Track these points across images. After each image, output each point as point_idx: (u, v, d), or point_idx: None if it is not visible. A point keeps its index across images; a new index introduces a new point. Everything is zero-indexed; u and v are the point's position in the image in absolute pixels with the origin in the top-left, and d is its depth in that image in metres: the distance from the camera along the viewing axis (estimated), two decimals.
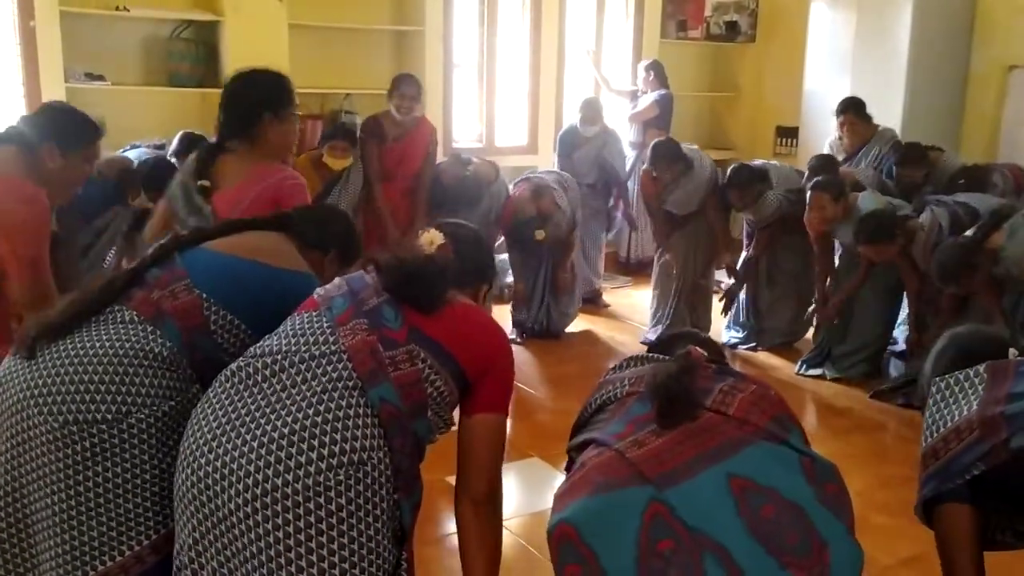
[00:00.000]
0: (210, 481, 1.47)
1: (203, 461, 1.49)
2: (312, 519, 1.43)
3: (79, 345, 1.71)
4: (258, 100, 2.48)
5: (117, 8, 4.93)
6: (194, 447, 1.53)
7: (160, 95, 5.32)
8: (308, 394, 1.51)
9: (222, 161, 2.52)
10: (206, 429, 1.53)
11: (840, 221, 4.37)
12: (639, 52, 7.06)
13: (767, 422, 1.51)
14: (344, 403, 1.50)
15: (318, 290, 1.73)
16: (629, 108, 6.59)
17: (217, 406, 1.55)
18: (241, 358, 1.63)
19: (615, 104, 6.66)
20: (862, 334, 4.63)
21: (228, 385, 1.58)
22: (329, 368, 1.54)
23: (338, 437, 1.47)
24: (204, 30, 5.37)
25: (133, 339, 1.73)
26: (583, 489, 1.46)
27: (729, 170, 4.90)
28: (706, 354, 1.70)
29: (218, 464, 1.47)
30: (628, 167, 6.18)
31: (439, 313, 1.64)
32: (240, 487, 1.44)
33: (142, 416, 1.67)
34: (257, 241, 1.96)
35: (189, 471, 1.51)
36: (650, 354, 1.79)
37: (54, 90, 4.71)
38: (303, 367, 1.54)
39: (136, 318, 1.76)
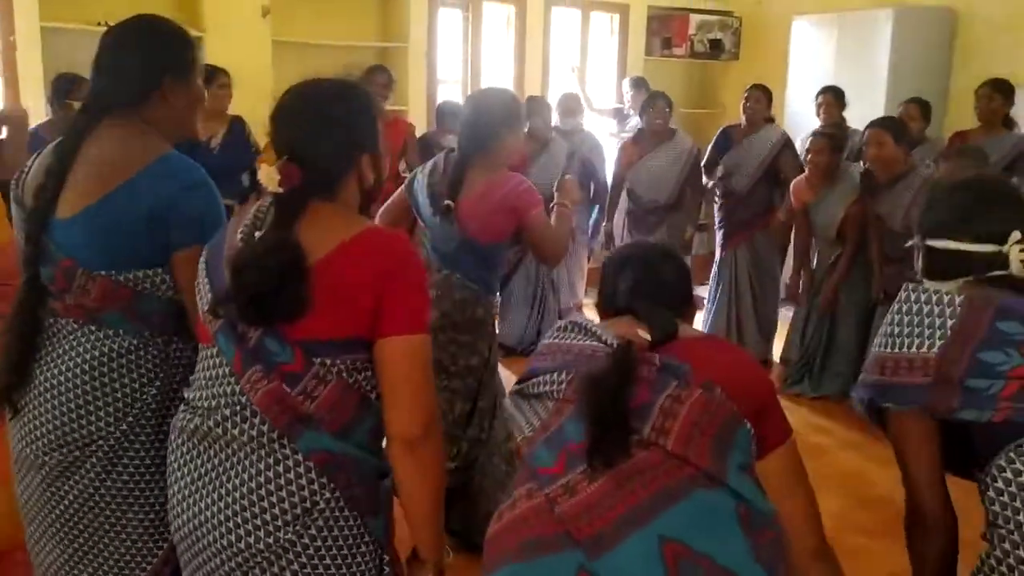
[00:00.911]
0: (192, 540, 1.53)
1: (182, 520, 1.55)
2: (288, 572, 1.47)
3: (47, 379, 1.75)
4: None
5: (99, 24, 4.91)
6: (173, 502, 1.58)
7: None
8: (242, 455, 1.48)
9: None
10: (176, 489, 1.57)
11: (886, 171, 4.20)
12: (624, 69, 7.10)
13: (707, 458, 1.34)
14: (274, 459, 1.47)
15: (202, 313, 1.56)
16: (614, 126, 6.60)
17: (180, 464, 1.57)
18: (183, 406, 1.60)
19: (598, 123, 6.68)
20: (843, 351, 4.63)
21: (181, 443, 1.57)
22: (248, 427, 1.47)
23: (283, 494, 1.46)
24: None
25: (87, 346, 1.74)
26: (512, 543, 1.38)
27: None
28: (649, 337, 1.47)
29: (193, 524, 1.52)
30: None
31: (313, 304, 1.45)
32: (216, 547, 1.49)
33: (132, 420, 1.75)
34: (99, 157, 1.74)
35: (176, 524, 1.58)
36: (592, 328, 1.54)
37: (34, 104, 4.69)
38: (229, 425, 1.49)
39: (75, 325, 1.74)
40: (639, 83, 6.38)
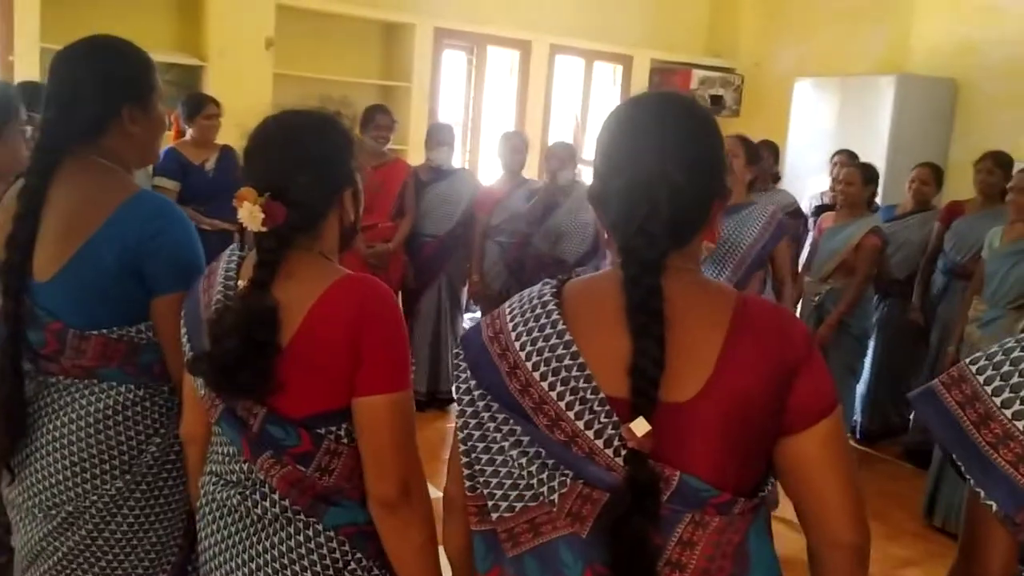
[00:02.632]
0: None
1: None
2: None
3: (48, 436, 1.68)
4: None
5: None
6: (204, 570, 1.53)
7: None
8: (271, 530, 1.42)
9: None
10: (207, 557, 1.52)
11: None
12: None
13: None
14: (300, 534, 1.41)
15: (198, 387, 1.46)
16: None
17: (210, 533, 1.51)
18: (208, 475, 1.52)
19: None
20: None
21: (209, 512, 1.51)
22: (270, 504, 1.41)
23: (312, 559, 1.40)
24: (187, 74, 5.33)
25: (88, 400, 1.66)
26: None
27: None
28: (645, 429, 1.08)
29: None
30: None
31: (307, 379, 1.37)
32: None
33: (131, 475, 1.68)
34: (67, 207, 1.64)
35: None
36: (574, 379, 1.14)
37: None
38: (249, 503, 1.42)
39: (73, 380, 1.66)
40: None
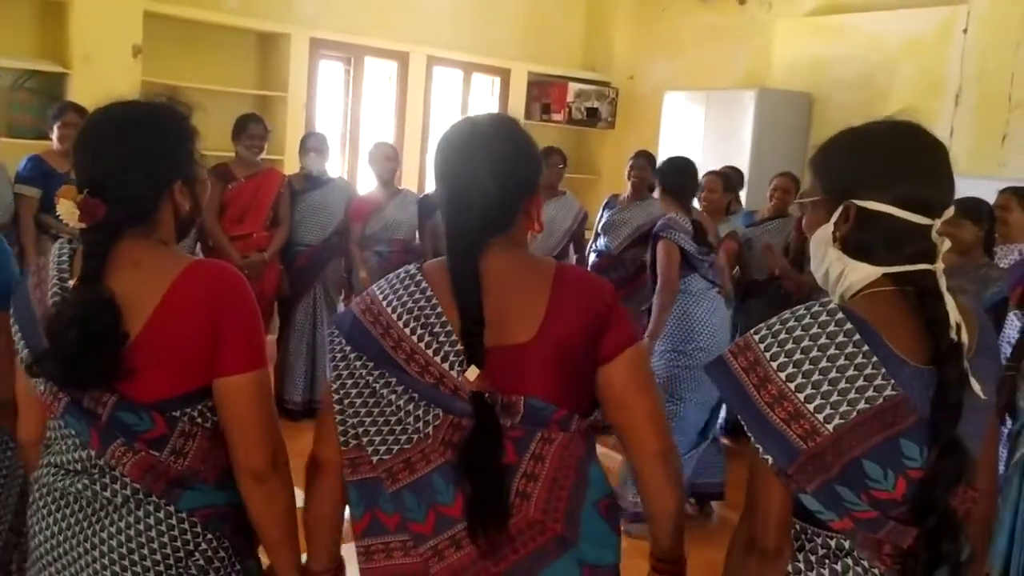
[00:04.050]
0: None
1: None
2: None
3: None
4: None
5: None
6: (34, 558, 1.49)
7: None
8: (116, 516, 1.42)
9: None
10: (39, 548, 1.48)
11: None
12: None
13: (562, 523, 1.38)
14: (151, 517, 1.42)
15: (36, 386, 1.45)
16: None
17: (43, 522, 1.48)
18: (44, 466, 1.50)
19: None
20: None
21: (43, 500, 1.48)
22: (120, 487, 1.42)
23: (156, 546, 1.42)
24: (50, 81, 5.16)
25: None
26: None
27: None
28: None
29: None
30: None
31: (159, 361, 1.39)
32: None
33: None
34: None
35: None
36: (433, 326, 1.40)
37: None
38: (98, 487, 1.43)
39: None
40: None
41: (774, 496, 1.29)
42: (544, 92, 7.47)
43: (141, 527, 1.41)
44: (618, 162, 7.62)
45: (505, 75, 7.29)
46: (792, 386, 1.24)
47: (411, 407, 1.37)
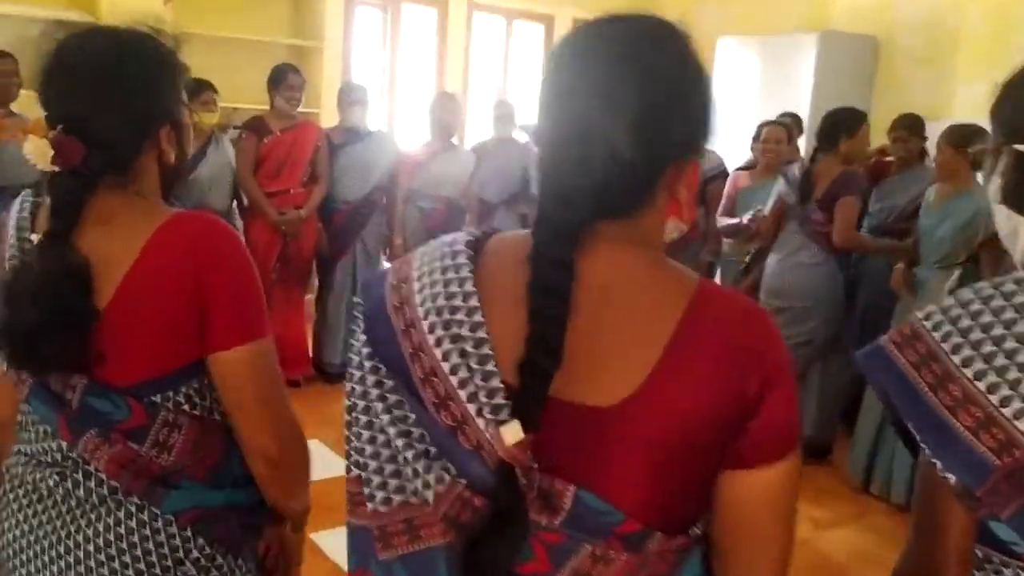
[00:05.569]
0: None
1: None
2: None
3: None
4: None
5: None
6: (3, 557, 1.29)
7: (27, 99, 4.88)
8: (93, 515, 1.21)
9: None
10: (6, 546, 1.28)
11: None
12: None
13: None
14: (132, 518, 1.21)
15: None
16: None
17: (13, 516, 1.27)
18: (16, 453, 1.30)
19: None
20: None
21: (13, 492, 1.28)
22: (95, 484, 1.21)
23: (139, 552, 1.21)
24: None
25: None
26: None
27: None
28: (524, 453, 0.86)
29: None
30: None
31: (135, 336, 1.17)
32: None
33: None
34: None
35: None
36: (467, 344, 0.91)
37: None
38: (70, 484, 1.22)
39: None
40: None
41: (956, 522, 1.01)
42: None
43: (122, 530, 1.20)
44: None
45: (549, 22, 6.96)
46: (982, 386, 0.95)
47: (409, 454, 0.91)
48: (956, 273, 3.73)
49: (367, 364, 0.97)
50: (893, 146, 4.71)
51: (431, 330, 0.91)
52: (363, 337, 0.99)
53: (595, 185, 0.88)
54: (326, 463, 3.76)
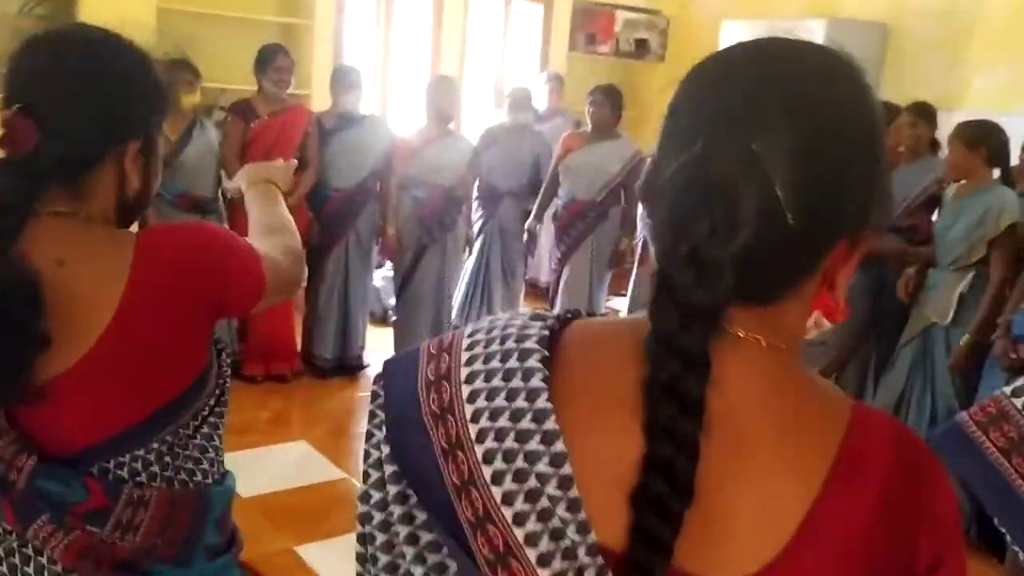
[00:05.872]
0: None
1: None
2: None
3: None
4: None
5: None
6: None
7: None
8: None
9: None
10: None
11: None
12: (546, 62, 6.74)
13: None
14: None
15: None
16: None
17: None
18: None
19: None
20: None
21: None
22: (49, 562, 1.05)
23: None
24: (58, 7, 4.75)
25: None
26: None
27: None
28: None
29: None
30: None
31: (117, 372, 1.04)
32: None
33: None
34: None
35: None
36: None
37: None
38: (16, 560, 1.06)
39: None
40: (554, 80, 6.01)
41: None
42: (590, 21, 6.94)
43: None
44: (667, 98, 7.13)
45: (548, 3, 6.75)
46: None
47: None
48: (969, 276, 3.58)
49: (392, 489, 0.71)
50: (902, 132, 4.56)
51: (487, 460, 0.65)
52: (386, 449, 0.71)
53: (736, 255, 0.62)
54: (311, 467, 3.60)
